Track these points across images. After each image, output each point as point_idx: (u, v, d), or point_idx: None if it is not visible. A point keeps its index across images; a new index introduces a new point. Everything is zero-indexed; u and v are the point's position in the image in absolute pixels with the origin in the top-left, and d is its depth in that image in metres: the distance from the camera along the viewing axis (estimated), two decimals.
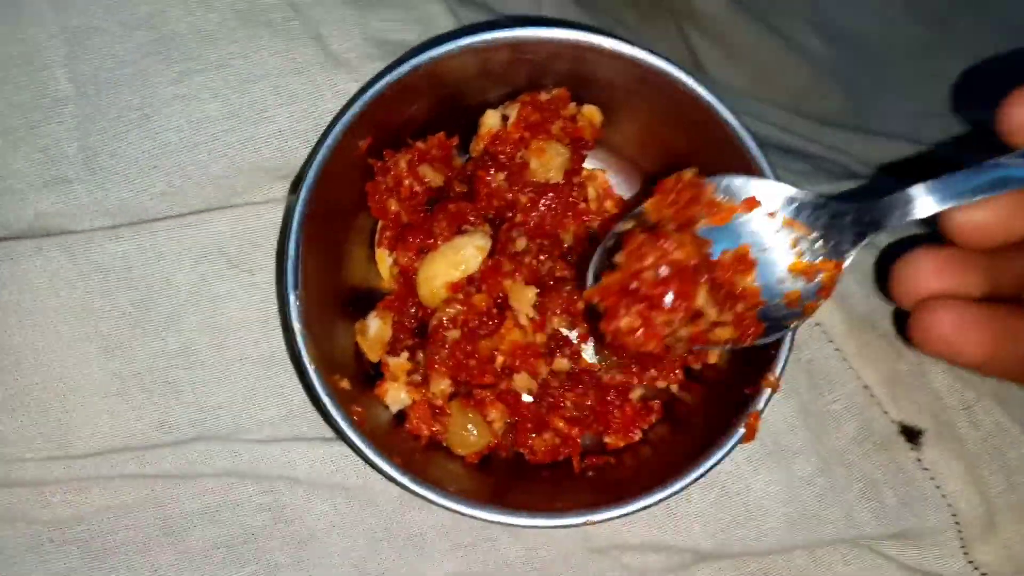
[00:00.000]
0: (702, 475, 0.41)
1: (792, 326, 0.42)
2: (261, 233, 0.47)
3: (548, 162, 0.46)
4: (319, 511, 0.46)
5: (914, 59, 0.70)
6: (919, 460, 0.48)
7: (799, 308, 0.42)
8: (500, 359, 0.45)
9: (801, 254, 0.42)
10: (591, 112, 0.47)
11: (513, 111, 0.46)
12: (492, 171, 0.46)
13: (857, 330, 0.48)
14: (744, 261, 0.42)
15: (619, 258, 0.40)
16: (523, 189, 0.46)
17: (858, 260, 0.50)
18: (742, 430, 0.41)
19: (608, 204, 0.50)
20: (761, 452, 0.47)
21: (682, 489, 0.41)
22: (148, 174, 0.45)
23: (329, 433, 0.46)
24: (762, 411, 0.41)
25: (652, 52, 0.43)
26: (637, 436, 0.47)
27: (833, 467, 0.47)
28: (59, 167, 0.45)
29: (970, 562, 0.48)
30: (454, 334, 0.44)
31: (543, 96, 0.46)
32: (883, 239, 0.50)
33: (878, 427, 0.48)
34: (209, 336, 0.46)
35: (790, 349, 0.42)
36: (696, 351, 0.46)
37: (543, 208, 0.46)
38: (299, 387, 0.47)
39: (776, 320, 0.42)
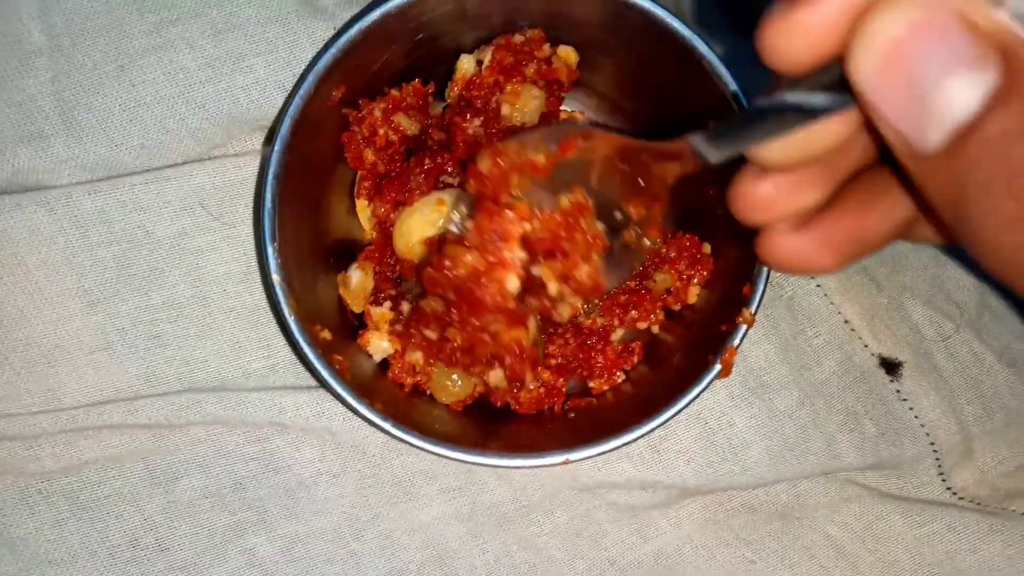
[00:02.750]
0: (678, 412, 0.41)
1: (634, 270, 0.42)
2: (241, 185, 0.47)
3: (523, 106, 0.46)
4: (307, 458, 0.46)
5: None
6: (898, 391, 0.48)
7: (637, 248, 0.41)
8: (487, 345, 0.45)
9: (627, 191, 0.40)
10: (566, 53, 0.47)
11: (487, 55, 0.46)
12: (468, 117, 0.46)
13: None
14: (581, 206, 0.40)
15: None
16: (499, 135, 0.46)
17: None
18: (719, 366, 0.41)
19: None
20: (743, 388, 0.48)
21: (658, 427, 0.41)
22: (125, 128, 0.45)
23: (315, 382, 0.47)
24: (738, 346, 0.41)
25: None
26: (620, 378, 0.47)
27: (814, 400, 0.48)
28: (35, 122, 0.45)
29: (948, 488, 0.49)
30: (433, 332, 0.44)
31: (517, 38, 0.46)
32: None
33: (858, 360, 0.49)
34: (192, 289, 0.46)
35: (765, 286, 0.42)
36: (674, 291, 0.47)
37: None
38: (283, 337, 0.47)
39: (620, 265, 0.41)
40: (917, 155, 0.26)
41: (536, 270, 0.40)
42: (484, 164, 0.40)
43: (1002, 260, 0.25)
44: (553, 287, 0.41)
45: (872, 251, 0.36)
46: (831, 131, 0.31)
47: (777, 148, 0.32)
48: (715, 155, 0.35)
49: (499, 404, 0.46)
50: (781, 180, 0.34)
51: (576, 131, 0.40)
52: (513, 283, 0.40)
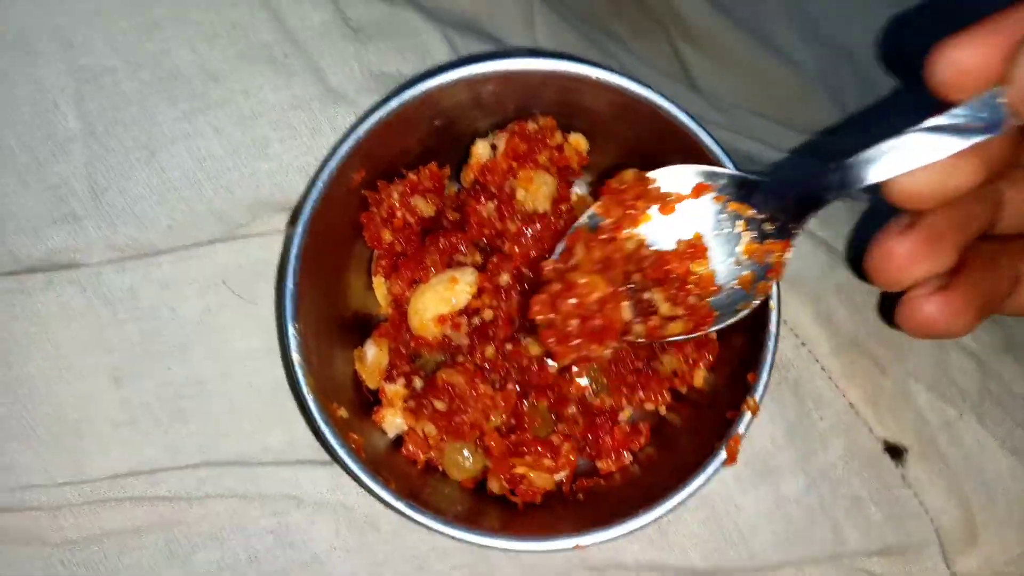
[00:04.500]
0: (684, 500, 0.42)
1: (743, 310, 0.43)
2: (263, 264, 0.48)
3: (535, 191, 0.48)
4: (322, 533, 0.47)
5: (899, 69, 0.71)
6: (903, 477, 0.49)
7: (751, 291, 0.43)
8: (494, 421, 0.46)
9: (751, 236, 0.43)
10: (577, 141, 0.49)
11: (502, 141, 0.48)
12: (482, 200, 0.48)
13: (842, 350, 0.50)
14: (698, 248, 0.44)
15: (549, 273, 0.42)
16: (512, 218, 0.48)
17: (842, 280, 0.51)
18: (724, 454, 0.42)
19: None
20: (750, 471, 0.48)
21: (666, 514, 0.42)
22: (154, 209, 0.47)
23: (331, 457, 0.48)
24: (743, 435, 0.42)
25: (635, 80, 0.44)
26: (628, 459, 0.48)
27: (820, 485, 0.49)
28: (69, 204, 0.46)
29: (953, 574, 0.49)
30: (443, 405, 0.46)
31: (531, 126, 0.48)
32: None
33: (864, 445, 0.49)
34: (215, 365, 0.48)
35: (770, 375, 0.43)
36: (681, 373, 0.48)
37: (530, 238, 0.47)
38: (302, 412, 0.48)
39: (728, 305, 0.43)
40: None
41: (647, 295, 0.44)
42: (629, 173, 0.44)
43: None
44: (665, 308, 0.43)
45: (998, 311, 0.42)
46: (971, 169, 0.37)
47: (923, 178, 0.37)
48: (869, 178, 0.39)
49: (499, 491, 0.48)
50: (919, 236, 0.39)
51: (711, 178, 0.43)
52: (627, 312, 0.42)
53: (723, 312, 0.43)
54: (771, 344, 0.43)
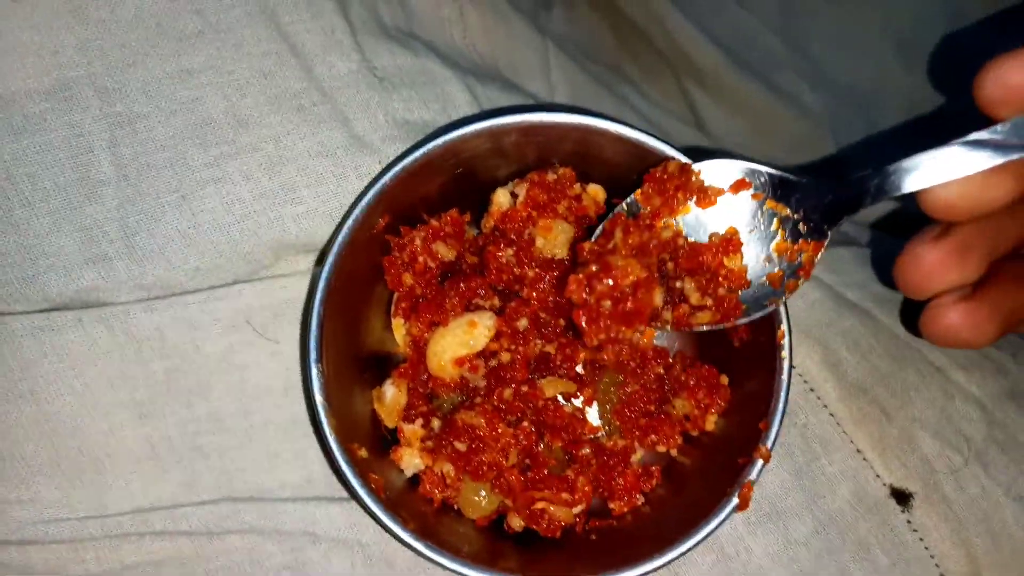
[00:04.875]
0: (696, 544, 0.43)
1: (771, 305, 0.44)
2: (286, 303, 0.50)
3: (554, 239, 0.49)
4: (337, 570, 0.48)
5: (905, 109, 0.73)
6: (909, 522, 0.50)
7: (780, 288, 0.44)
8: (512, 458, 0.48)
9: (784, 235, 0.44)
10: (595, 191, 0.50)
11: (522, 190, 0.49)
12: (502, 246, 0.49)
13: (849, 396, 0.51)
14: (732, 243, 0.45)
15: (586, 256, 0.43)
16: (530, 264, 0.49)
17: (849, 327, 0.53)
18: (736, 500, 0.43)
19: None
20: (758, 514, 0.49)
21: (677, 558, 0.43)
22: (183, 252, 0.48)
23: (348, 494, 0.49)
24: (755, 481, 0.43)
25: (650, 134, 0.46)
26: (639, 500, 0.49)
27: (828, 529, 0.50)
28: (100, 246, 0.48)
29: None
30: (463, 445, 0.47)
31: (550, 176, 0.49)
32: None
33: (870, 490, 0.50)
34: (235, 402, 0.49)
35: (781, 423, 0.44)
36: (692, 417, 0.49)
37: (548, 284, 0.48)
38: (319, 449, 0.49)
39: (757, 300, 0.45)
40: None
41: (678, 283, 0.45)
42: (673, 164, 0.45)
43: None
44: (695, 297, 0.45)
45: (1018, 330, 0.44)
46: (1007, 185, 0.39)
47: (959, 189, 0.39)
48: (906, 186, 0.40)
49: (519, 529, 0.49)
50: (950, 246, 0.40)
51: (751, 175, 0.44)
52: (659, 298, 0.43)
53: (751, 306, 0.45)
54: (783, 394, 0.44)
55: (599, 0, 0.76)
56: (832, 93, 0.76)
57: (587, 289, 0.42)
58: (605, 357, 0.44)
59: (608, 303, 0.42)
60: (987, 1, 0.77)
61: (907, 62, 0.76)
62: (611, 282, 0.41)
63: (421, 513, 0.47)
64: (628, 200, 0.46)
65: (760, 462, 0.44)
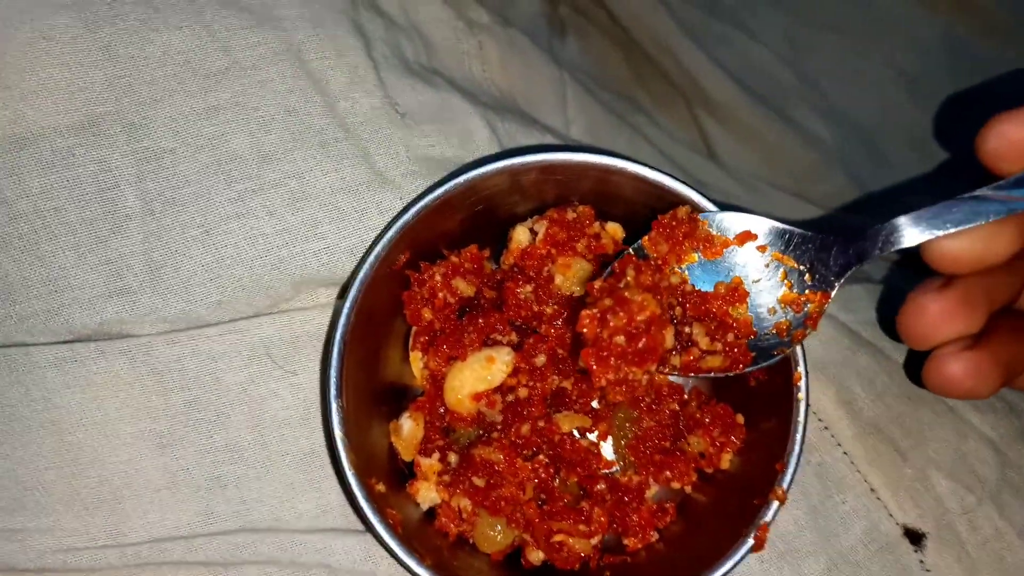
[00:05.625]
0: None
1: (779, 354, 0.45)
2: (306, 337, 0.50)
3: (572, 277, 0.50)
4: None
5: (914, 143, 0.74)
6: (922, 562, 0.50)
7: (787, 338, 0.45)
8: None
9: (790, 286, 0.45)
10: (614, 229, 0.51)
11: (541, 228, 0.50)
12: (520, 283, 0.50)
13: (864, 435, 0.51)
14: (737, 293, 0.46)
15: (593, 295, 0.44)
16: (548, 301, 0.49)
17: (863, 365, 0.53)
18: (752, 540, 0.44)
19: None
20: (772, 552, 0.49)
21: None
22: (206, 286, 0.49)
23: (363, 525, 0.49)
24: (770, 522, 0.44)
25: (670, 175, 0.47)
26: (654, 537, 0.49)
27: (841, 568, 0.50)
28: (124, 279, 0.48)
29: None
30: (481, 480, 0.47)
31: (569, 214, 0.50)
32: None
33: (884, 529, 0.50)
34: (253, 433, 0.49)
35: (797, 465, 0.44)
36: (708, 455, 0.49)
37: (565, 321, 0.49)
38: (336, 480, 0.50)
39: (764, 349, 0.45)
40: None
41: (687, 329, 0.46)
42: (683, 211, 0.46)
43: None
44: (704, 342, 0.45)
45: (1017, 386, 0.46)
46: (1009, 239, 0.40)
47: (963, 243, 0.40)
48: (912, 238, 0.42)
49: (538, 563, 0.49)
50: (953, 297, 0.41)
51: (757, 227, 0.45)
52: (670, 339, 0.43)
53: (759, 355, 0.45)
54: (799, 436, 0.44)
55: (612, 30, 0.77)
56: (841, 125, 0.77)
57: (600, 325, 0.42)
58: (610, 398, 0.44)
59: (621, 338, 0.42)
60: (987, 36, 0.78)
61: (912, 96, 0.77)
62: (625, 317, 0.42)
63: (436, 547, 0.48)
64: (635, 246, 0.47)
65: (776, 503, 0.44)
